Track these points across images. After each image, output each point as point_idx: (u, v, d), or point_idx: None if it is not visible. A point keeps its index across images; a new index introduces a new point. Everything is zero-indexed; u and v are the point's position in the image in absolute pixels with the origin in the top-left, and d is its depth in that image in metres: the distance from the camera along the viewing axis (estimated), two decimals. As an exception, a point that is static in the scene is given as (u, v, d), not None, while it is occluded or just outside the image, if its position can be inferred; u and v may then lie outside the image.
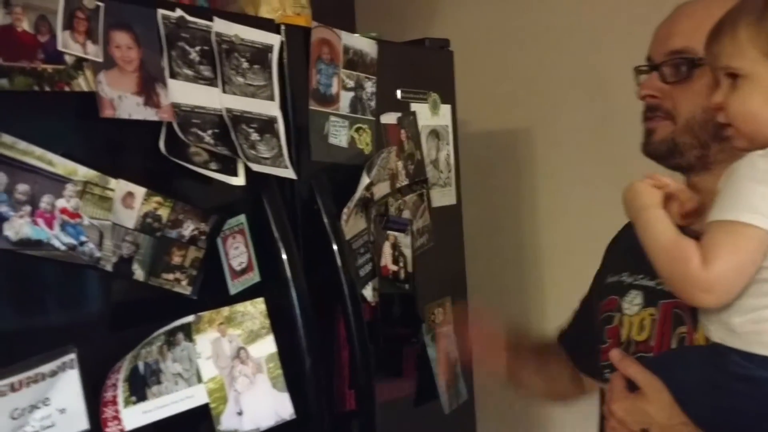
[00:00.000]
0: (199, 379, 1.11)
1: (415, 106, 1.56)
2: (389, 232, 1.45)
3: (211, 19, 1.17)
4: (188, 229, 1.14)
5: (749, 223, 0.84)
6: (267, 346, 1.18)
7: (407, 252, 1.49)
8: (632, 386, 1.01)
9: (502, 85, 2.19)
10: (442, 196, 1.65)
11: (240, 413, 1.14)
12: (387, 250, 1.45)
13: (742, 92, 0.89)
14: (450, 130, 1.65)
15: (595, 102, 2.03)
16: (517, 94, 2.17)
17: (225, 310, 1.16)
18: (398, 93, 1.53)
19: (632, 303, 1.12)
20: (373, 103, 1.46)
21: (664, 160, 1.12)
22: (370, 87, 1.44)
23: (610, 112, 2.00)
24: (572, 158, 2.10)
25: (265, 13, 1.46)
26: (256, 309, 1.18)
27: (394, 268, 1.47)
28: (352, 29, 1.40)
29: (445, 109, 1.64)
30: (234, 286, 1.22)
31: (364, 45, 1.43)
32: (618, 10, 1.96)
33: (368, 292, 1.43)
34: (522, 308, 2.19)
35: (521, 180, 2.22)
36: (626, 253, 1.19)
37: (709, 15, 0.97)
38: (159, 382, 1.08)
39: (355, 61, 1.41)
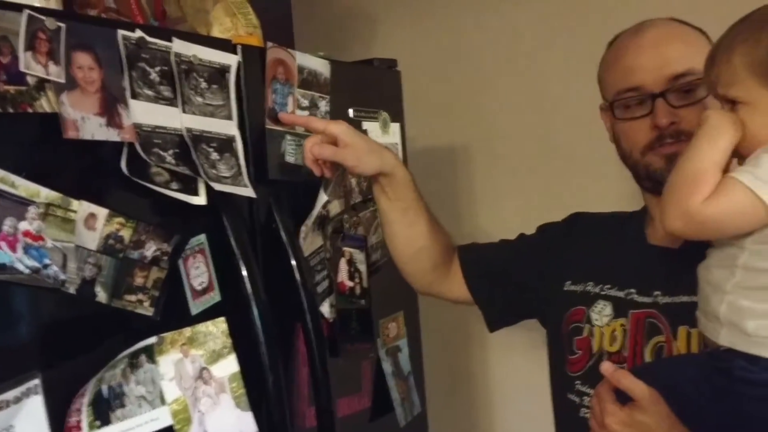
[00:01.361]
0: (163, 401, 1.10)
1: (366, 125, 1.58)
2: (345, 248, 1.47)
3: (170, 40, 1.16)
4: (150, 249, 1.13)
5: (753, 190, 0.85)
6: (229, 366, 1.17)
7: (362, 268, 1.51)
8: (621, 399, 0.98)
9: (438, 101, 2.24)
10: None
11: (204, 434, 1.14)
12: (343, 266, 1.47)
13: (743, 116, 0.90)
14: (400, 148, 1.68)
15: (533, 119, 2.09)
16: (457, 112, 2.22)
17: (187, 331, 1.15)
18: (350, 112, 1.55)
19: (601, 314, 1.14)
20: (327, 122, 1.47)
21: None
22: (324, 106, 1.46)
23: (547, 129, 2.07)
24: (510, 173, 2.16)
25: (217, 33, 1.46)
26: (217, 329, 1.17)
27: (350, 284, 1.48)
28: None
29: (395, 128, 1.67)
30: (195, 306, 1.21)
31: (318, 65, 1.45)
32: (556, 30, 2.03)
33: (325, 309, 1.44)
34: (470, 319, 2.23)
35: (461, 195, 2.27)
36: (586, 259, 1.22)
37: (698, 36, 1.03)
38: (123, 406, 1.07)
39: (309, 81, 1.42)
